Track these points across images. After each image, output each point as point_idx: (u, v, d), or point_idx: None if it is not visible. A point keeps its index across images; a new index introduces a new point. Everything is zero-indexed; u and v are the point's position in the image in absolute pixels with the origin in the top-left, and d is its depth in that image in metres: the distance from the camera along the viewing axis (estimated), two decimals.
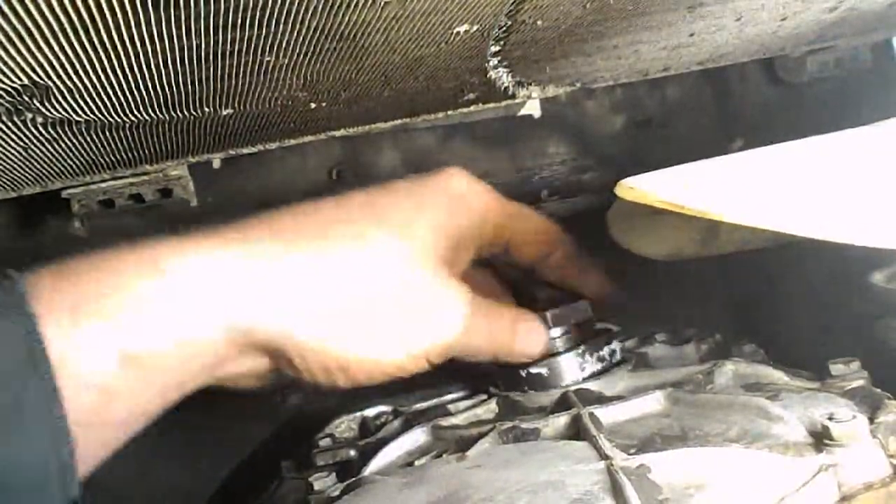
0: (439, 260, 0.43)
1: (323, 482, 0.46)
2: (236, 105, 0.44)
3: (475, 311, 0.44)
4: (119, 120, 0.42)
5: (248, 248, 0.39)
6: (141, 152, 0.50)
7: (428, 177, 0.47)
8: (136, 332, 0.35)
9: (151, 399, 0.37)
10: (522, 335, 0.47)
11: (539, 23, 0.42)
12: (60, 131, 0.42)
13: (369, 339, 0.41)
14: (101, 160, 0.50)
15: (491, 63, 0.48)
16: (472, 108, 0.57)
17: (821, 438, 0.38)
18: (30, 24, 0.29)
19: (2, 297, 0.33)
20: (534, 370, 0.49)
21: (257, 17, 0.33)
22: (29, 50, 0.31)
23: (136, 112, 0.41)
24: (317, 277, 0.40)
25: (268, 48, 0.36)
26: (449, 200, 0.46)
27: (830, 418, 0.38)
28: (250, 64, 0.38)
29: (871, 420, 0.40)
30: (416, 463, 0.45)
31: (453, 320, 0.43)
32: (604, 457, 0.39)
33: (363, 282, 0.41)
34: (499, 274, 0.53)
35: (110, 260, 0.37)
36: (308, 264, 0.40)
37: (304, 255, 0.40)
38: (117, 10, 0.30)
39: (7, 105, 0.36)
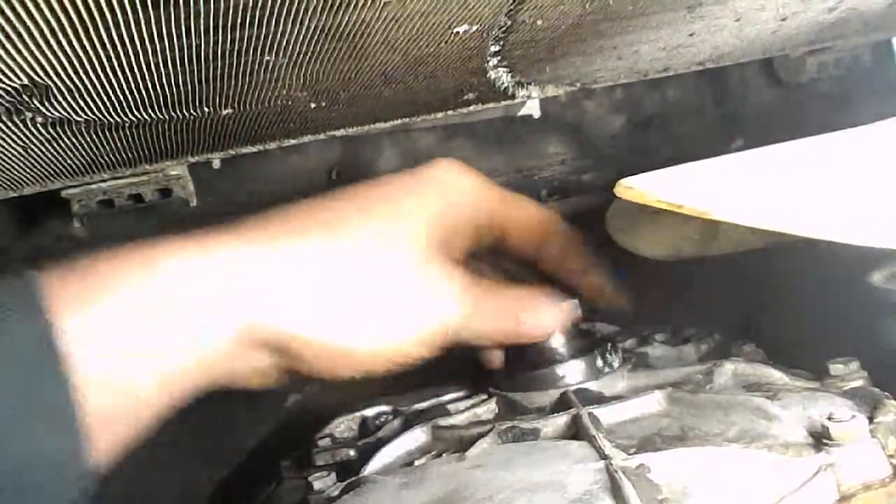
0: (431, 247, 0.44)
1: (322, 482, 0.46)
2: (236, 105, 0.44)
3: (473, 293, 0.44)
4: (119, 119, 0.42)
5: (244, 249, 0.40)
6: (140, 152, 0.50)
7: (418, 169, 0.48)
8: (145, 328, 0.36)
9: (159, 395, 0.38)
10: (529, 314, 0.47)
11: (539, 23, 0.42)
12: (60, 131, 0.42)
13: (370, 328, 0.42)
14: (101, 160, 0.50)
15: (491, 63, 0.48)
16: (472, 108, 0.57)
17: (820, 438, 0.38)
18: (29, 23, 0.29)
19: (16, 294, 0.34)
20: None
21: (257, 16, 0.33)
22: (29, 49, 0.31)
23: (135, 112, 0.41)
24: (312, 273, 0.41)
25: (267, 48, 0.36)
26: (439, 189, 0.46)
27: (830, 418, 0.38)
28: (250, 64, 0.38)
29: (871, 420, 0.40)
30: (416, 463, 0.45)
31: (449, 303, 0.43)
32: (603, 457, 0.39)
33: (357, 273, 0.42)
34: (494, 268, 0.53)
35: (119, 257, 0.37)
36: (303, 260, 0.41)
37: (298, 252, 0.41)
38: (117, 9, 0.30)
39: (7, 104, 0.36)
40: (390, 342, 0.42)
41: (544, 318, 0.48)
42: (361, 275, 0.42)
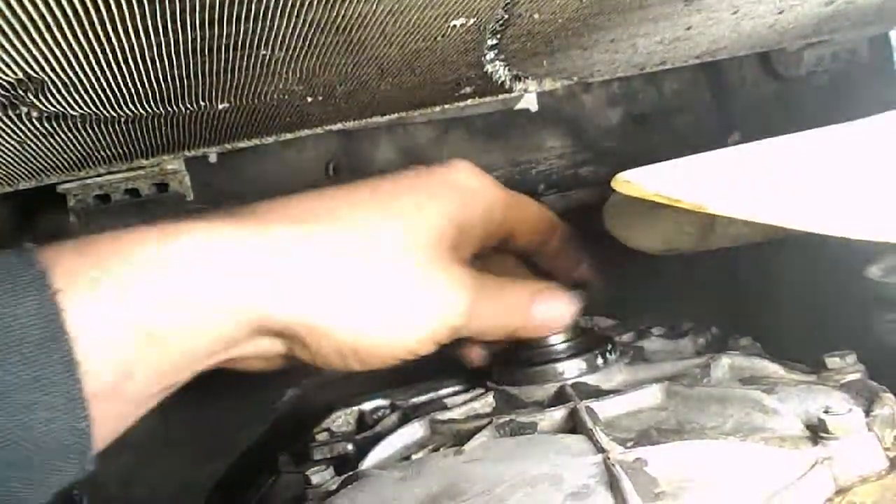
0: (443, 246, 0.45)
1: (320, 476, 0.46)
2: (232, 99, 0.44)
3: (479, 291, 0.45)
4: (114, 114, 0.42)
5: (262, 234, 0.40)
6: (137, 146, 0.50)
7: (434, 168, 0.48)
8: (154, 309, 0.36)
9: (165, 375, 0.38)
10: (540, 307, 0.48)
11: (536, 16, 0.42)
12: (55, 125, 0.41)
13: (378, 322, 0.42)
14: (97, 154, 0.50)
15: (488, 57, 0.48)
16: (469, 101, 0.57)
17: (817, 431, 0.38)
18: (24, 17, 0.29)
19: (23, 271, 0.34)
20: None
21: (253, 10, 0.33)
22: (23, 43, 0.31)
23: (131, 106, 0.41)
24: (328, 264, 0.41)
25: (264, 42, 0.36)
26: (455, 191, 0.47)
27: (826, 411, 0.38)
28: (246, 58, 0.38)
29: (867, 413, 0.40)
30: (413, 457, 0.45)
31: (454, 302, 0.44)
32: (600, 450, 0.39)
33: (371, 269, 0.42)
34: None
35: (130, 237, 0.37)
36: (320, 251, 0.41)
37: (316, 242, 0.41)
38: (112, 3, 0.29)
39: (2, 99, 0.36)
40: (394, 338, 0.43)
41: (556, 310, 0.48)
42: (371, 268, 0.42)
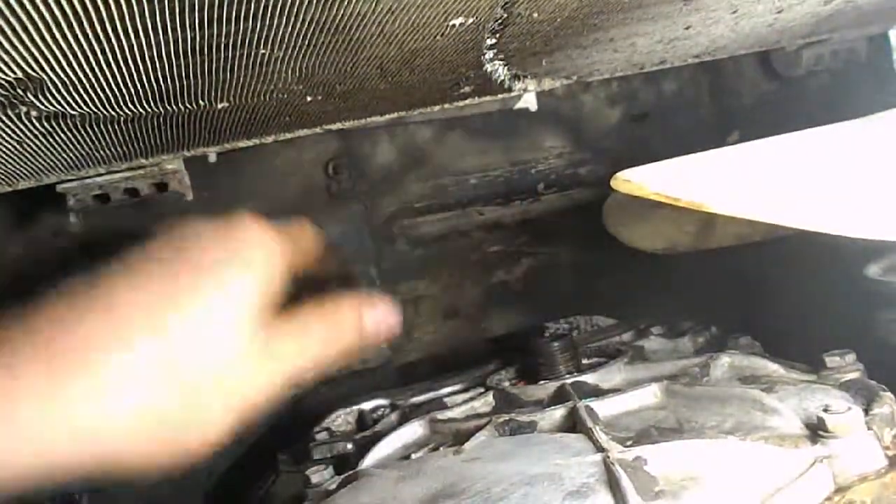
0: (252, 321, 0.36)
1: (320, 475, 0.46)
2: (231, 98, 0.44)
3: (296, 327, 0.37)
4: (114, 113, 0.42)
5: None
6: (136, 146, 0.50)
7: (219, 231, 0.38)
8: None
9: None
10: (371, 316, 0.39)
11: (535, 15, 0.42)
12: (55, 125, 0.41)
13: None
14: (96, 154, 0.50)
15: (487, 56, 0.48)
16: (468, 101, 0.57)
17: (816, 430, 0.38)
18: (23, 16, 0.29)
19: None
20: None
21: (251, 9, 0.33)
22: (23, 42, 0.31)
23: (130, 105, 0.41)
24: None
25: (262, 41, 0.36)
26: (245, 260, 0.39)
27: (826, 410, 0.38)
28: (245, 57, 0.38)
29: (866, 412, 0.40)
30: (413, 456, 0.45)
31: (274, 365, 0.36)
32: (600, 449, 0.39)
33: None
34: None
35: None
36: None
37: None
38: (111, 2, 0.29)
39: (1, 98, 0.36)
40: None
41: (386, 315, 0.43)
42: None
